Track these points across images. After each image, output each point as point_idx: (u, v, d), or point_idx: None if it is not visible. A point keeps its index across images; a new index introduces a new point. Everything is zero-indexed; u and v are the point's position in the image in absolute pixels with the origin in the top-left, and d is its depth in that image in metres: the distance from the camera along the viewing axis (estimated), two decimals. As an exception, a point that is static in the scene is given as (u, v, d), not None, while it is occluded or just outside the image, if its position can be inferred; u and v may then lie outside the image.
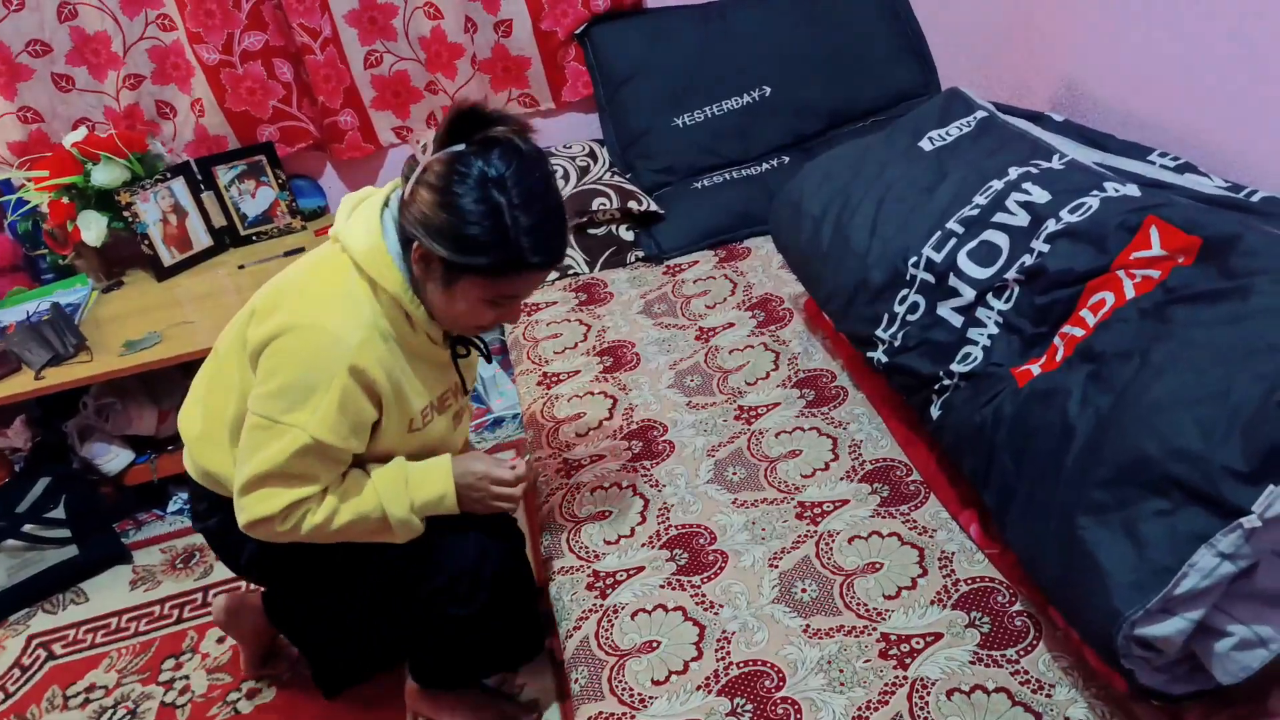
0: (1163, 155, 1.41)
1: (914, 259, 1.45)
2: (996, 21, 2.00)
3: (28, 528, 2.06)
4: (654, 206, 2.26)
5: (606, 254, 2.26)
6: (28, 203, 2.17)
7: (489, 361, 1.51)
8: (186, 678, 1.80)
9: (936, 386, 1.37)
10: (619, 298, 2.15)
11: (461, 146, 1.12)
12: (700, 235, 2.25)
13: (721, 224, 2.26)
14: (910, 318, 1.45)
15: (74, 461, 2.21)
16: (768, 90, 2.33)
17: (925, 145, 1.63)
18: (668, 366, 1.87)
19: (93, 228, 2.11)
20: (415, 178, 1.14)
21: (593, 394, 1.83)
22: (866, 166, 1.68)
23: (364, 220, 1.21)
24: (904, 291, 1.46)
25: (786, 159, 2.33)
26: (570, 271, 2.25)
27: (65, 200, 2.09)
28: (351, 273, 1.21)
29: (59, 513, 2.09)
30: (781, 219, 1.80)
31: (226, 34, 2.19)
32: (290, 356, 1.19)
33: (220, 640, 1.87)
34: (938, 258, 1.41)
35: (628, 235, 2.28)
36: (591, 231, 2.27)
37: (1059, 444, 1.05)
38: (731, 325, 1.97)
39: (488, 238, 1.12)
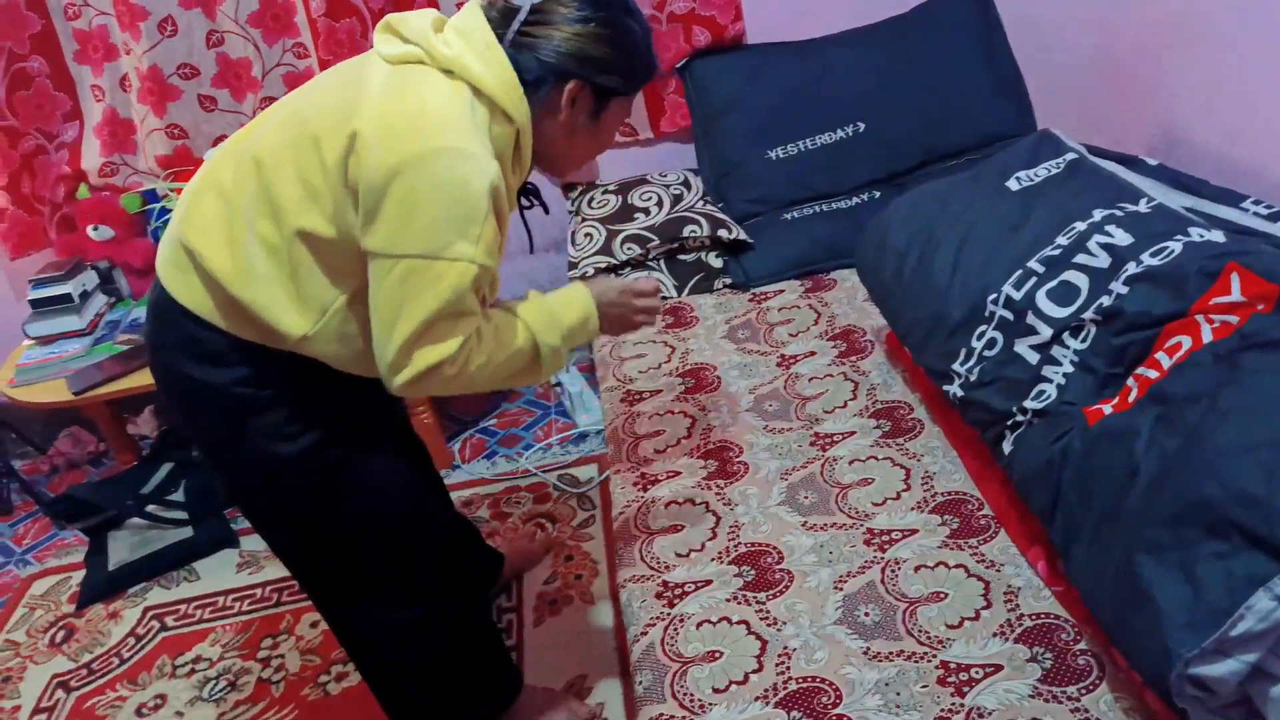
0: (1256, 203, 1.40)
1: (994, 296, 1.47)
2: (1095, 66, 2.00)
3: (151, 508, 2.24)
4: (743, 235, 2.32)
5: (695, 280, 2.33)
6: (170, 210, 2.38)
7: (546, 212, 1.41)
8: (282, 656, 1.93)
9: (1010, 423, 1.39)
10: (704, 322, 2.21)
11: None
12: (788, 265, 2.30)
13: (809, 255, 2.31)
14: (988, 354, 1.47)
15: (195, 450, 2.39)
16: (861, 126, 2.38)
17: (1012, 185, 1.65)
18: (747, 390, 1.93)
19: (224, 236, 2.29)
20: (530, 16, 1.15)
21: (673, 413, 1.90)
22: (952, 203, 1.71)
23: (486, 50, 1.14)
24: (983, 328, 1.49)
25: (878, 194, 2.36)
26: (660, 295, 2.32)
27: (202, 210, 2.28)
28: (467, 98, 1.13)
29: (179, 496, 2.27)
30: (867, 252, 1.84)
31: (353, 62, 2.36)
32: (439, 186, 1.08)
33: (314, 625, 1.99)
34: (1017, 296, 1.43)
35: (716, 262, 2.34)
36: (681, 257, 2.35)
37: (1124, 483, 1.06)
38: (813, 354, 2.01)
39: (646, 60, 1.21)
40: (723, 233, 2.31)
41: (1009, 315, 1.44)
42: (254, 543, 2.25)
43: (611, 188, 2.51)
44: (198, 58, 2.36)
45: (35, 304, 2.27)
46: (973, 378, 1.48)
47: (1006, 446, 1.40)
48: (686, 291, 2.33)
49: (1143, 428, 1.09)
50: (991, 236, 1.56)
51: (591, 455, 2.39)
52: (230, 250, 1.18)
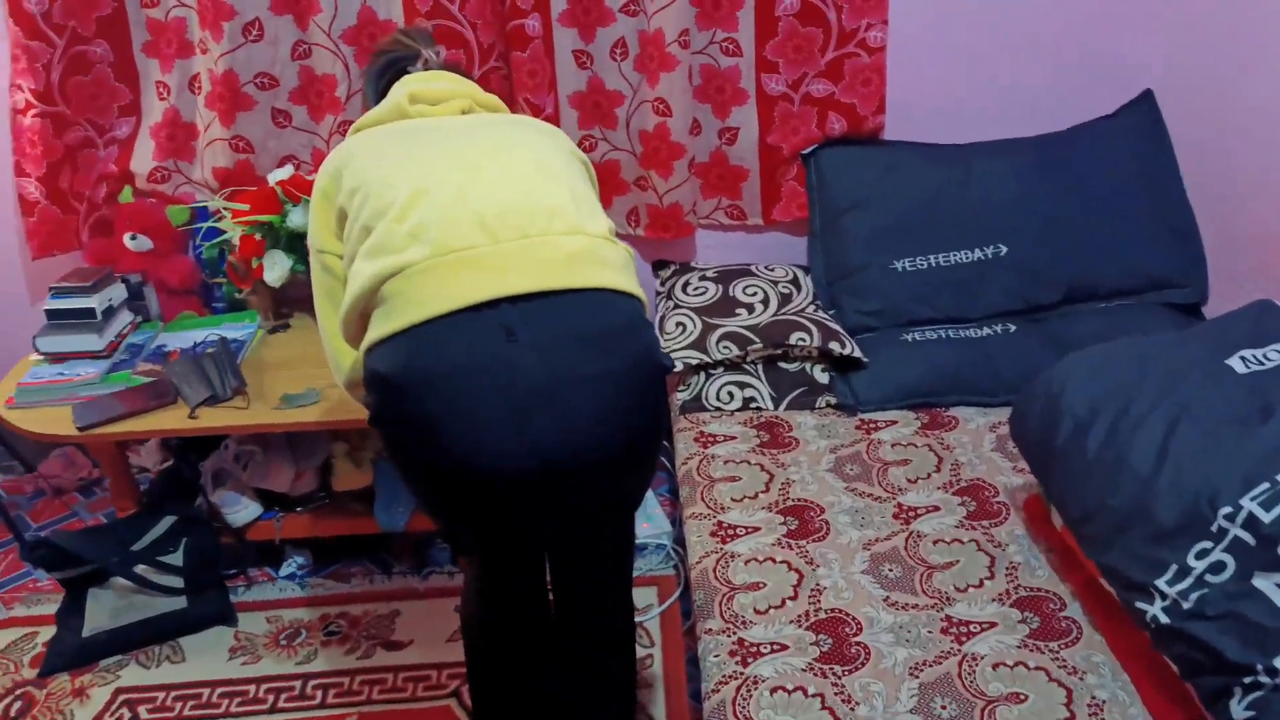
0: None
1: (1226, 509, 1.19)
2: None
3: (140, 569, 1.94)
4: (858, 353, 2.05)
5: (795, 393, 2.06)
6: (220, 231, 2.12)
7: None
8: (269, 783, 1.63)
9: (1246, 680, 1.10)
10: (805, 446, 1.93)
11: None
12: (902, 393, 2.03)
13: (928, 385, 2.03)
14: (1211, 578, 1.18)
15: (200, 501, 2.10)
16: (1003, 249, 2.12)
17: (1237, 365, 1.38)
18: (861, 544, 1.64)
19: (277, 268, 2.03)
20: (458, 71, 1.52)
21: (774, 561, 1.61)
22: (1152, 371, 1.44)
23: (486, 93, 1.49)
24: (1205, 544, 1.21)
25: (1012, 327, 2.09)
26: (753, 405, 2.05)
27: (258, 237, 2.02)
28: None
29: (176, 559, 1.96)
30: (1031, 408, 1.56)
31: (451, 98, 2.11)
32: None
33: (312, 745, 1.69)
34: (1266, 517, 1.15)
35: (822, 377, 2.07)
36: (783, 365, 2.08)
37: None
38: (936, 509, 1.72)
39: None
40: (834, 345, 2.04)
41: (1249, 539, 1.16)
42: (253, 623, 1.95)
43: (710, 274, 2.25)
44: (280, 68, 2.12)
45: (52, 315, 1.99)
46: (1186, 604, 1.20)
47: (1237, 710, 1.10)
48: (785, 405, 2.05)
49: None
50: (1216, 429, 1.29)
51: (651, 576, 2.09)
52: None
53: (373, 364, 1.19)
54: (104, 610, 1.91)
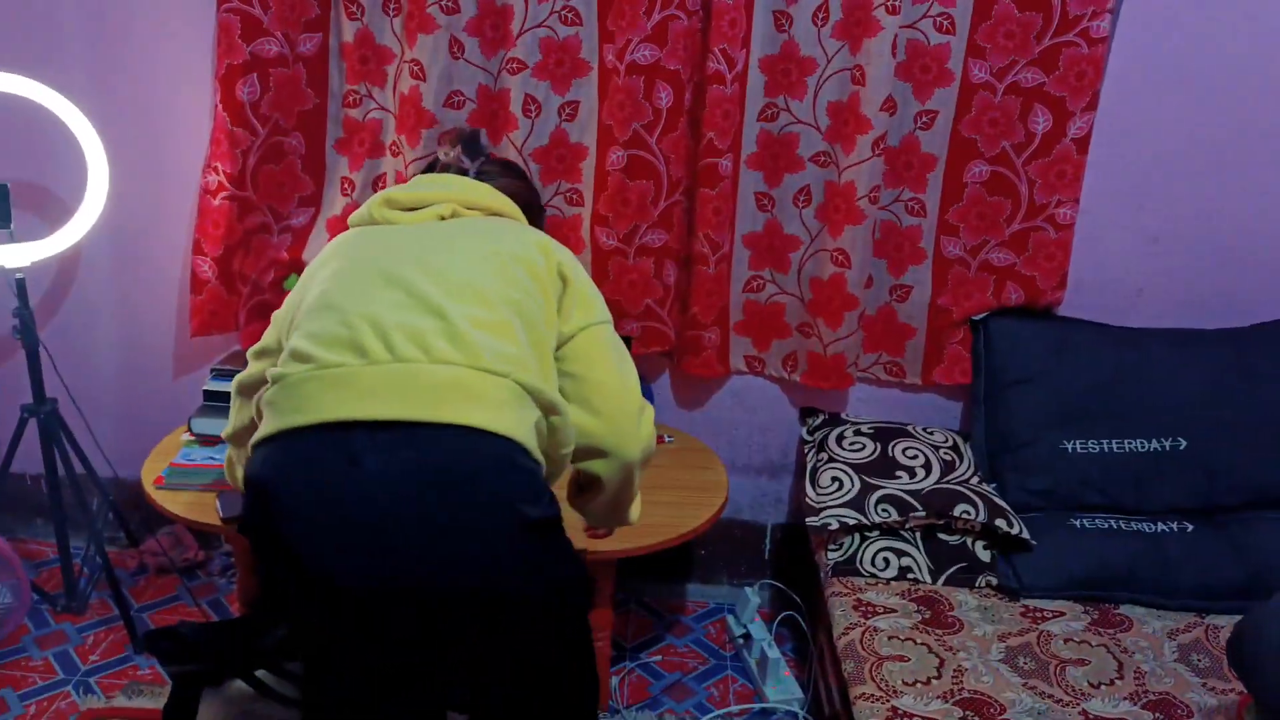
0: None
1: None
2: None
3: (261, 674, 1.83)
4: (1025, 533, 1.95)
5: (955, 568, 1.95)
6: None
7: None
8: None
9: None
10: (970, 629, 1.82)
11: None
12: (1069, 582, 1.92)
13: (1097, 577, 1.92)
14: None
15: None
16: (1182, 442, 2.03)
17: None
18: (1052, 757, 1.51)
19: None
20: (479, 172, 1.51)
21: (961, 764, 1.48)
22: None
23: (492, 193, 1.45)
24: None
25: (1190, 526, 1.99)
26: (909, 575, 1.95)
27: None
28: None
29: (296, 666, 1.86)
30: (1270, 635, 1.44)
31: (633, 225, 2.11)
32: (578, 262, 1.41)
33: None
34: None
35: (983, 554, 1.97)
36: (942, 537, 1.98)
37: None
38: (1127, 722, 1.60)
39: None
40: (1000, 523, 1.95)
41: None
42: (363, 746, 1.82)
43: (865, 429, 2.18)
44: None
45: (209, 396, 1.96)
46: None
47: None
48: (943, 580, 1.95)
49: None
50: None
51: (786, 750, 1.95)
52: (533, 366, 1.25)
53: (247, 467, 1.22)
54: (215, 715, 1.80)
